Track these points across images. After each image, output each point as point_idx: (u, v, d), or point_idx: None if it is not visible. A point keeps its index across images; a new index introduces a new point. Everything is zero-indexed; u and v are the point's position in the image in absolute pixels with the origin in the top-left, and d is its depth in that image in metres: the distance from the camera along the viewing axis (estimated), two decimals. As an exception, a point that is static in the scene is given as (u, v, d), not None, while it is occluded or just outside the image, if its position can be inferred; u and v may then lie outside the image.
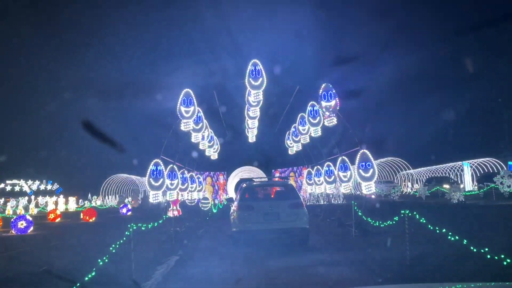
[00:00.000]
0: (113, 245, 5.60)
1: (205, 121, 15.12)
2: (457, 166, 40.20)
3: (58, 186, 53.40)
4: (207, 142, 16.52)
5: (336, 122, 11.48)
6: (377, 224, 8.52)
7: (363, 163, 10.67)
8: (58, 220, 21.96)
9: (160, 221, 8.93)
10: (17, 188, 51.14)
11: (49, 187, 54.48)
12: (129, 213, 26.47)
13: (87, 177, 48.56)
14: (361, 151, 10.89)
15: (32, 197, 41.85)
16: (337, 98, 11.55)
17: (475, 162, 38.62)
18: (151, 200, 11.50)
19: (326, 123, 11.84)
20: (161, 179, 10.95)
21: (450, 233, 5.51)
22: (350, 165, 13.20)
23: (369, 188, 10.79)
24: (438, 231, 5.73)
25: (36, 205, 35.96)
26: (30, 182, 52.71)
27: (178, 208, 20.88)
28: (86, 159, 50.09)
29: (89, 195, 43.46)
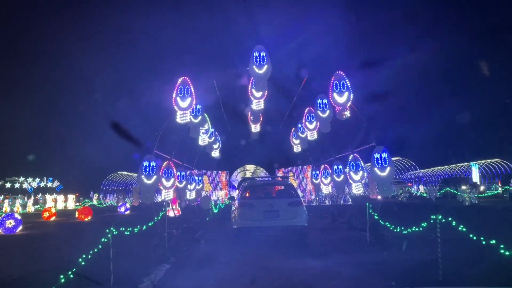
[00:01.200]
0: (84, 256, 4.56)
1: (205, 115, 14.10)
2: (465, 167, 39.13)
3: (58, 183, 52.68)
4: (207, 138, 15.51)
5: (349, 116, 10.40)
6: (398, 229, 7.35)
7: (379, 162, 9.56)
8: (53, 218, 21.21)
9: (150, 224, 7.88)
10: (17, 185, 50.34)
11: (49, 184, 53.64)
12: (128, 212, 25.62)
13: (88, 175, 47.77)
14: (377, 147, 9.77)
15: (32, 194, 41.06)
16: (350, 91, 10.49)
17: (483, 163, 37.54)
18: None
19: (338, 117, 10.77)
20: (155, 176, 9.93)
21: (502, 246, 4.37)
22: (362, 163, 12.16)
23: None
24: (484, 242, 4.60)
25: (35, 203, 35.17)
26: (30, 179, 51.88)
27: (177, 207, 19.89)
28: (87, 156, 49.21)
29: (91, 193, 42.75)
